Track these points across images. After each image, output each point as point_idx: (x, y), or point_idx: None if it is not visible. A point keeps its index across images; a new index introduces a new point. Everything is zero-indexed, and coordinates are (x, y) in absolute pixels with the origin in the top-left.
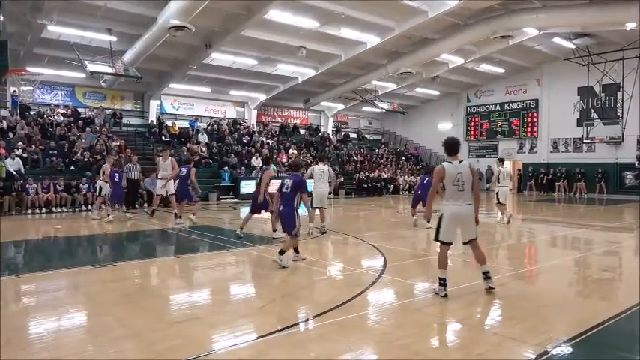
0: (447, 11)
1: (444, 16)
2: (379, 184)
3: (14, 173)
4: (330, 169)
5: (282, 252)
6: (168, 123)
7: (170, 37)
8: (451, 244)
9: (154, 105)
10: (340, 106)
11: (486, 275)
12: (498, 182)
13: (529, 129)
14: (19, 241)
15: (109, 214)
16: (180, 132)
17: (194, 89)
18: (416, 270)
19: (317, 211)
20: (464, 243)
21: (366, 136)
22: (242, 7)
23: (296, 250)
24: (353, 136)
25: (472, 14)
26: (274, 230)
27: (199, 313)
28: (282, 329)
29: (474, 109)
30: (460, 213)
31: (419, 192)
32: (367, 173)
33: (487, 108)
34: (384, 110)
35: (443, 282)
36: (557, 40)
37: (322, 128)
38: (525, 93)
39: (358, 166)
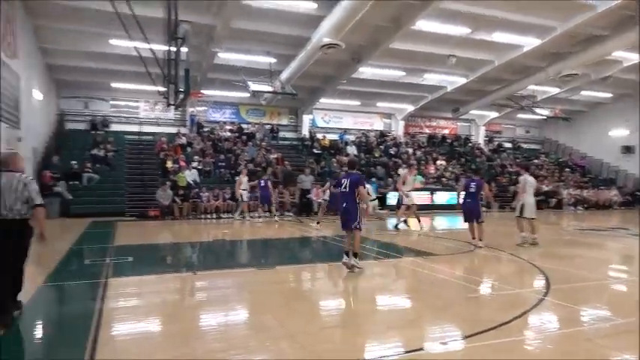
0: (620, 3)
1: (617, 9)
2: (538, 198)
3: (191, 183)
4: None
5: (355, 255)
6: (320, 136)
7: (322, 55)
8: None
9: (306, 119)
10: (493, 114)
11: None
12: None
13: None
14: (195, 242)
15: (259, 216)
16: (331, 144)
17: (343, 103)
18: (586, 295)
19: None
20: None
21: (523, 145)
22: (390, 20)
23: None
24: (507, 145)
25: None
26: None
27: (350, 321)
28: (431, 346)
29: None
30: None
31: (468, 200)
32: None
33: None
34: (543, 117)
35: None
36: None
37: (472, 138)
38: None
39: (513, 177)
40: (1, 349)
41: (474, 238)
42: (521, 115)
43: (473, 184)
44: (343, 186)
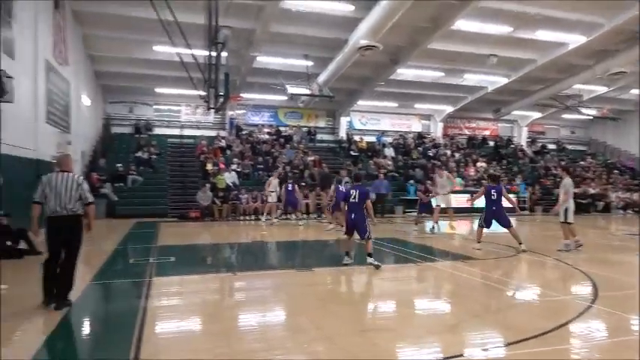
0: None
1: None
2: (585, 201)
3: (230, 185)
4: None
5: (370, 255)
6: (357, 138)
7: (359, 57)
8: None
9: (344, 122)
10: (536, 115)
11: None
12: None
13: None
14: (233, 243)
15: (276, 218)
16: (368, 146)
17: (381, 105)
18: (637, 303)
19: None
20: None
21: (568, 146)
22: (428, 20)
23: (369, 255)
24: (551, 147)
25: None
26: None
27: (389, 325)
28: (472, 352)
29: None
30: None
31: (493, 208)
32: None
33: None
34: (590, 117)
35: None
36: None
37: (515, 139)
38: None
39: (558, 180)
40: (50, 346)
41: (520, 244)
42: (566, 116)
43: (494, 191)
44: (352, 197)
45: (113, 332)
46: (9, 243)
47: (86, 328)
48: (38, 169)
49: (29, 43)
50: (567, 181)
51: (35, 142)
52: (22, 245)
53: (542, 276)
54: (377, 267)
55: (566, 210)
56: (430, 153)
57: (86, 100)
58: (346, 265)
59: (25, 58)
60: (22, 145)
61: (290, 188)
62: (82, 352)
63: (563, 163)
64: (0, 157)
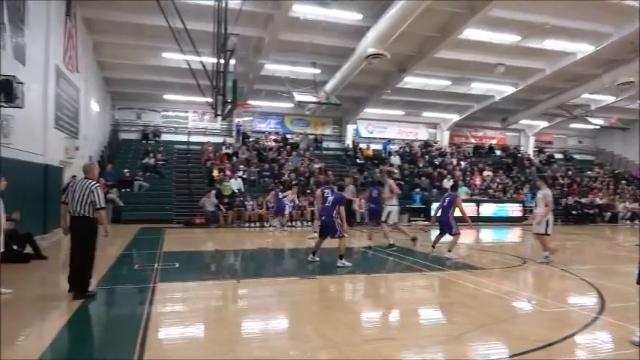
0: None
1: None
2: (592, 211)
3: (236, 191)
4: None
5: (341, 257)
6: (363, 146)
7: (367, 65)
8: None
9: (350, 129)
10: (543, 124)
11: None
12: None
13: None
14: (238, 250)
15: (273, 225)
16: (374, 154)
17: (387, 113)
18: None
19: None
20: None
21: (575, 156)
22: (436, 29)
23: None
24: (558, 156)
25: None
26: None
27: (394, 334)
28: None
29: None
30: None
31: (439, 214)
32: (576, 198)
33: None
34: (597, 127)
35: None
36: None
37: (522, 148)
38: None
39: (565, 189)
40: (53, 350)
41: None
42: (573, 125)
43: (447, 199)
44: (327, 201)
45: (117, 336)
46: (15, 247)
47: (89, 333)
48: (46, 174)
49: (40, 49)
50: (547, 192)
51: (44, 147)
52: (28, 249)
53: (548, 286)
54: (345, 267)
55: (547, 222)
56: (436, 161)
57: (95, 106)
58: (310, 262)
59: (35, 63)
60: (30, 150)
61: (280, 196)
62: (86, 357)
63: (568, 172)
64: (0, 159)
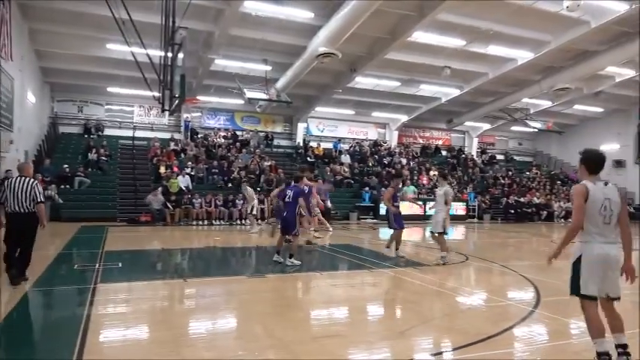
0: (615, 19)
1: (611, 25)
2: (530, 210)
3: (184, 189)
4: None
5: (291, 255)
6: (314, 144)
7: (318, 64)
8: (596, 298)
9: (301, 127)
10: (486, 126)
11: (624, 350)
12: None
13: None
14: (186, 248)
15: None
16: (324, 153)
17: (338, 112)
18: (576, 308)
19: None
20: (604, 299)
21: (515, 157)
22: (386, 31)
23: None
24: (500, 157)
25: None
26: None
27: (341, 331)
28: (421, 357)
29: None
30: (609, 255)
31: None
32: (516, 197)
33: None
34: (536, 130)
35: (606, 358)
36: None
37: (466, 149)
38: None
39: (505, 189)
40: None
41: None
42: (514, 128)
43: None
44: (287, 197)
45: (53, 340)
46: None
47: (24, 337)
48: None
49: None
50: (447, 189)
51: None
52: None
53: (489, 282)
54: (294, 265)
55: (444, 220)
56: (385, 161)
57: (31, 98)
58: (276, 262)
59: None
60: None
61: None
62: None
63: (508, 173)
64: None
